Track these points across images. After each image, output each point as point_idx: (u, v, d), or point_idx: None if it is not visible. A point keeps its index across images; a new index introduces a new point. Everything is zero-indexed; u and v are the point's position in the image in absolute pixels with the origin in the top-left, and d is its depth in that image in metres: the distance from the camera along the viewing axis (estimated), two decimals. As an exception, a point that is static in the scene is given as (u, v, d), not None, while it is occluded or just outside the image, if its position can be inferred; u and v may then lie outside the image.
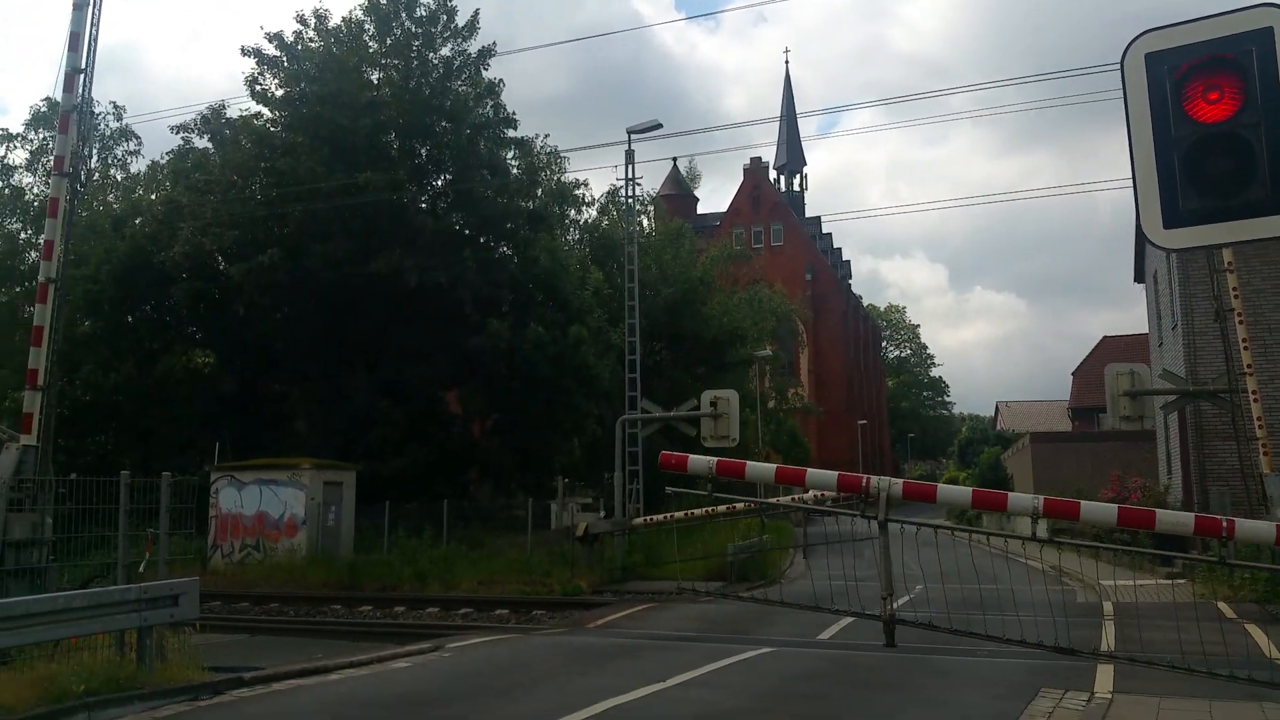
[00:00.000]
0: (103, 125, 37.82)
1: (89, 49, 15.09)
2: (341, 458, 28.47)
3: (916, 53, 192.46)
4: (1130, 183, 4.36)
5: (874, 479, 8.72)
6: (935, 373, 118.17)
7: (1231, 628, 12.65)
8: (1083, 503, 9.32)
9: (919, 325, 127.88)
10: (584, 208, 39.99)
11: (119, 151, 41.00)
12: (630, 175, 27.56)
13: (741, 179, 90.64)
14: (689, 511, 21.42)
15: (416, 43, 32.76)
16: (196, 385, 34.38)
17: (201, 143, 33.39)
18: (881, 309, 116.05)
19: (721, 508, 18.65)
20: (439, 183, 33.78)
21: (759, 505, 21.03)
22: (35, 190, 37.44)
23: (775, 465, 10.09)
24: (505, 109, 33.67)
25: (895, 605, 8.69)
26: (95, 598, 9.94)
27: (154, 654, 10.01)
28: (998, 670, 10.36)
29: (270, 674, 10.61)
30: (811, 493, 15.60)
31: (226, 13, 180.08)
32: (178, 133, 33.08)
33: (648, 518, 22.97)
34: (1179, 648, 8.90)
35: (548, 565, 22.75)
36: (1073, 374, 65.12)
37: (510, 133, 33.92)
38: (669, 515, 22.33)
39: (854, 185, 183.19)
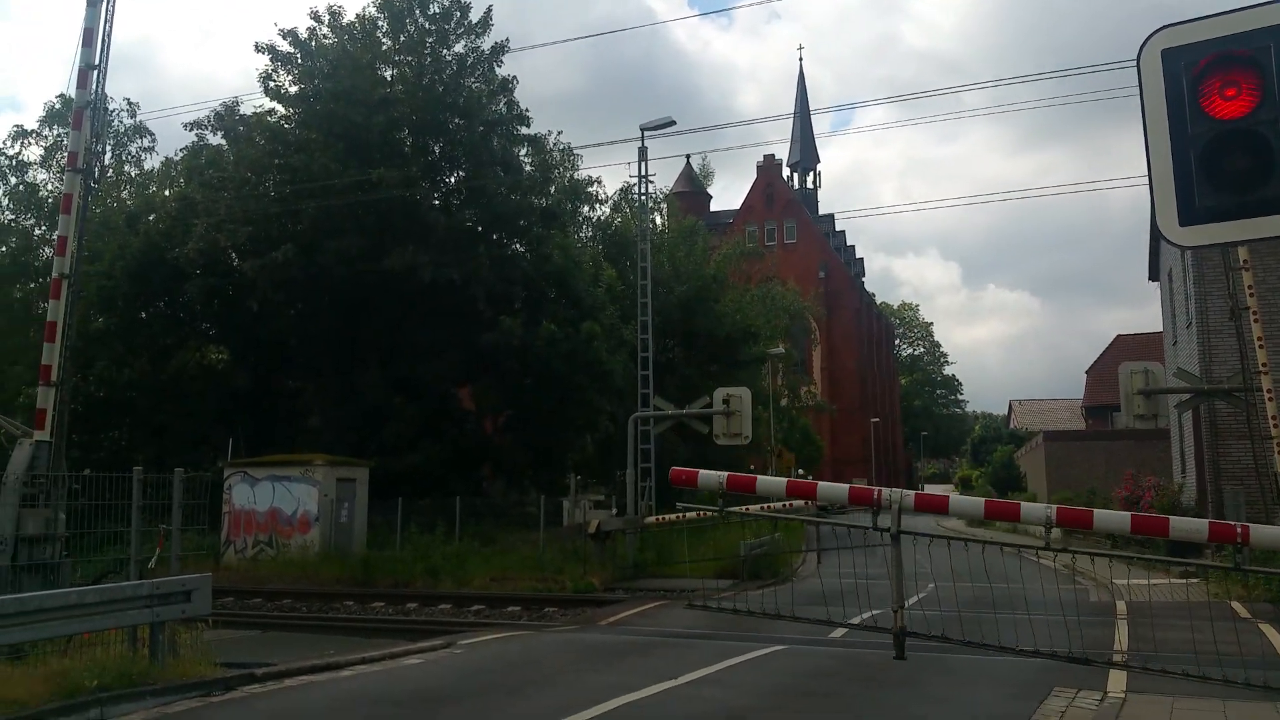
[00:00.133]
0: (117, 121, 37.89)
1: (103, 45, 15.15)
2: (355, 454, 28.55)
3: (930, 49, 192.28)
4: (1146, 180, 4.33)
5: (885, 491, 8.66)
6: (948, 371, 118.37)
7: (1245, 627, 12.61)
8: (1096, 511, 9.22)
9: (932, 323, 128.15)
10: (597, 205, 40.05)
11: (133, 148, 41.22)
12: (643, 172, 27.47)
13: (755, 176, 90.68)
14: (701, 511, 21.36)
15: (430, 39, 32.83)
16: (210, 381, 34.54)
17: (215, 139, 33.53)
18: (895, 307, 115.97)
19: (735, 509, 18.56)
20: (452, 179, 33.87)
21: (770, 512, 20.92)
22: (50, 186, 37.65)
23: (786, 479, 9.99)
24: (518, 106, 33.85)
25: (907, 605, 8.64)
26: (108, 593, 9.96)
27: (166, 649, 10.05)
28: (1010, 669, 10.28)
29: (282, 670, 10.64)
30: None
31: (240, 9, 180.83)
32: (191, 129, 33.18)
33: (659, 517, 22.94)
34: (1193, 648, 8.84)
35: (560, 562, 22.75)
36: (1086, 372, 64.96)
37: (523, 130, 34.05)
38: (681, 515, 22.28)
39: (867, 183, 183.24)
